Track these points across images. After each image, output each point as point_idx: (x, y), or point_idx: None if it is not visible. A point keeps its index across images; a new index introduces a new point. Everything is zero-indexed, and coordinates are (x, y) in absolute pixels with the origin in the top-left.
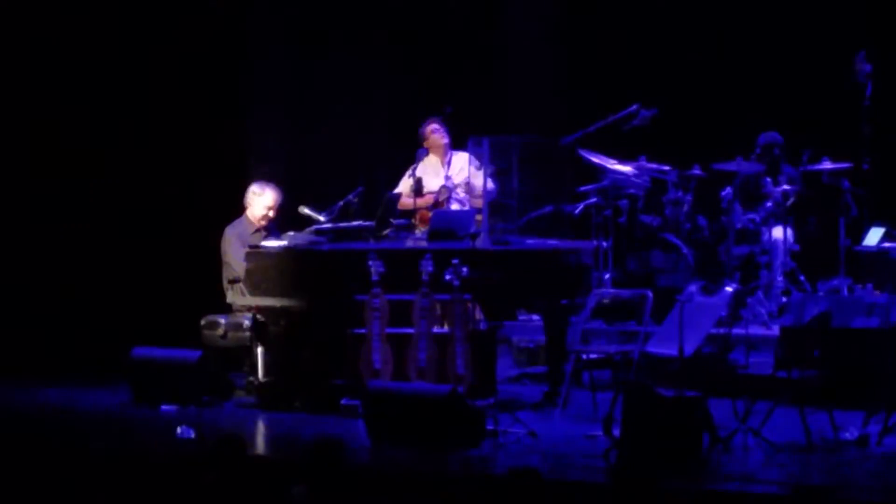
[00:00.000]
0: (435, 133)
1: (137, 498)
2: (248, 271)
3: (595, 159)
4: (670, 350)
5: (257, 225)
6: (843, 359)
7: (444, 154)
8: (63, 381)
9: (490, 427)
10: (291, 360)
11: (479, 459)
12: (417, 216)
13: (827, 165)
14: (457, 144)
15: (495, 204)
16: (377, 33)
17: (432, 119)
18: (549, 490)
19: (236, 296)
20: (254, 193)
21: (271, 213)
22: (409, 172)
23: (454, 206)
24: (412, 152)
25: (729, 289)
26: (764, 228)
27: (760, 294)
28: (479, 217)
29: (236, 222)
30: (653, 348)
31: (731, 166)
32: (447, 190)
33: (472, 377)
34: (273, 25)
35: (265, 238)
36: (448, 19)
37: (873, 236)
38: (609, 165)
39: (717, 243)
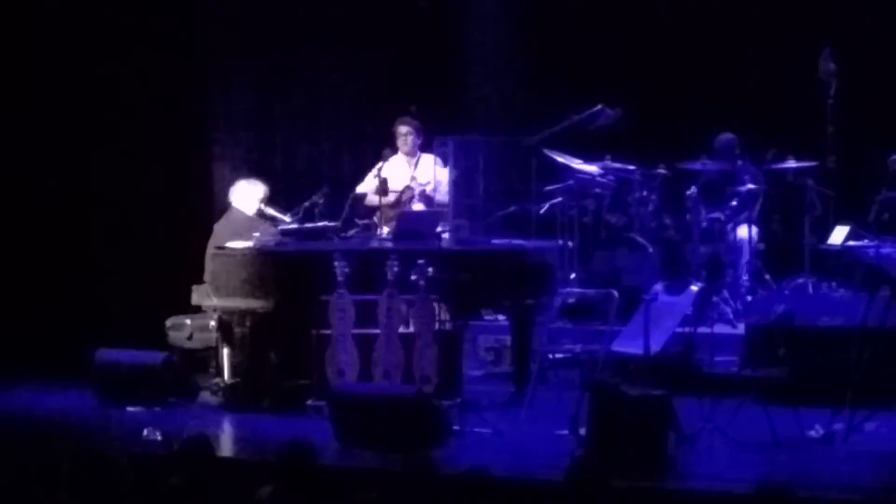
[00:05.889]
0: (404, 130)
1: (103, 501)
2: (213, 272)
3: (560, 159)
4: (636, 349)
5: (251, 216)
6: (808, 357)
7: (413, 153)
8: (28, 383)
9: (456, 427)
10: (257, 361)
11: (444, 459)
12: (381, 215)
13: (792, 164)
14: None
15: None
16: (341, 32)
17: (406, 117)
18: (512, 490)
19: (202, 297)
20: (247, 187)
21: (263, 206)
22: (374, 172)
23: (416, 207)
24: (377, 152)
25: (694, 287)
26: (729, 227)
27: (726, 293)
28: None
29: (224, 218)
30: (619, 347)
31: (696, 165)
32: (411, 190)
33: (437, 377)
34: (236, 26)
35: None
36: (411, 17)
37: (838, 234)
38: (574, 165)
39: (683, 242)
